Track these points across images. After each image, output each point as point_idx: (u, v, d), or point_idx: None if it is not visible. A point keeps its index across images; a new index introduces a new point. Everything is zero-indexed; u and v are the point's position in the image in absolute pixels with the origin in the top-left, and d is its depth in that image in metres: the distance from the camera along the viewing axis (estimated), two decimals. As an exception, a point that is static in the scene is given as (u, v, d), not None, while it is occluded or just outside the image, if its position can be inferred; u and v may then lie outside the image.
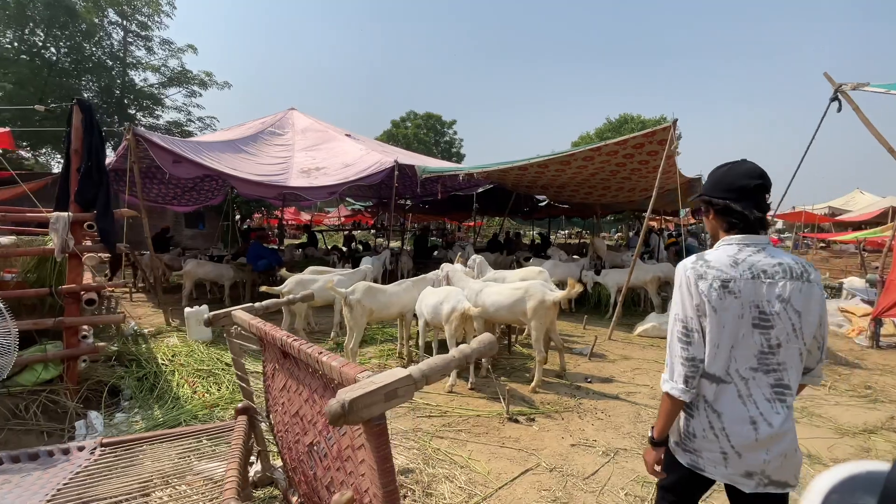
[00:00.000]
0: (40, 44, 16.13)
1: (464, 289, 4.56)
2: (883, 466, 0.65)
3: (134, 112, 18.54)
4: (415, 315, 4.74)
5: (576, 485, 2.67)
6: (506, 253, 11.46)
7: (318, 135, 10.15)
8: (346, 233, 17.81)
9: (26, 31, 15.62)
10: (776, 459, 1.30)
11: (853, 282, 8.82)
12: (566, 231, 28.59)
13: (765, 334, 1.30)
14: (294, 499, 2.35)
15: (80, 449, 2.25)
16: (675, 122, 5.50)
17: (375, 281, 7.28)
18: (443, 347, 4.77)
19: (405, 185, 10.45)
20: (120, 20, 18.13)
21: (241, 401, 2.61)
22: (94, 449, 2.25)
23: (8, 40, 15.44)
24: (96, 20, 16.83)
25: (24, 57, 15.38)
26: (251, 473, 2.77)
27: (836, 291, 8.88)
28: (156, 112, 19.22)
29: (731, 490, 1.41)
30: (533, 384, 4.13)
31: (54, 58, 16.44)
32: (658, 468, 1.47)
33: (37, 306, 3.87)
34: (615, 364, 5.02)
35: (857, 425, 3.62)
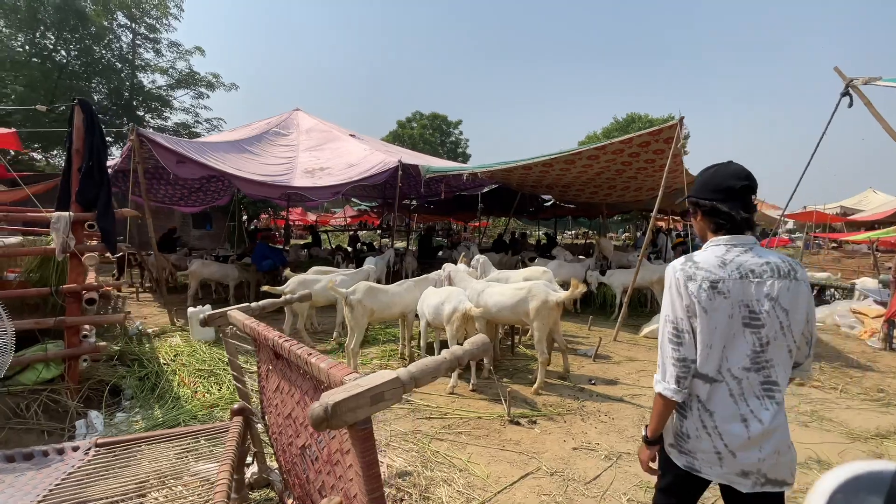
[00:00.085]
0: (51, 47, 16.35)
1: (466, 289, 4.52)
2: (888, 466, 0.65)
3: (142, 114, 18.73)
4: (417, 315, 4.70)
5: (576, 489, 2.61)
6: (511, 253, 11.38)
7: (322, 135, 10.17)
8: (351, 233, 17.85)
9: (37, 35, 15.84)
10: (770, 457, 1.30)
11: (865, 282, 8.64)
12: (573, 231, 28.42)
13: (756, 333, 1.31)
14: (290, 501, 2.32)
15: (75, 449, 2.24)
16: (681, 119, 5.41)
17: (379, 281, 7.27)
18: (445, 348, 4.72)
19: (409, 185, 10.43)
20: (129, 23, 18.33)
21: (239, 401, 2.59)
22: (89, 449, 2.23)
23: (19, 43, 15.67)
24: (106, 23, 17.02)
25: (35, 60, 15.61)
26: (248, 475, 2.75)
27: (848, 292, 8.70)
28: (164, 114, 19.42)
29: (727, 491, 1.41)
30: (535, 386, 4.07)
31: (64, 60, 16.66)
32: (653, 465, 1.49)
33: (39, 306, 3.89)
34: (620, 366, 4.94)
35: (870, 430, 3.52)
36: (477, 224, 19.83)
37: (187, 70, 19.48)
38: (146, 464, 2.18)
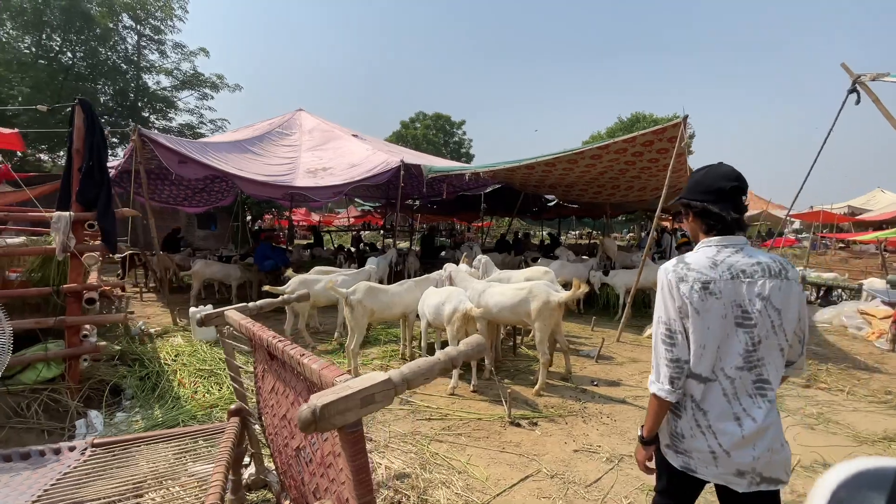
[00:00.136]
0: (57, 48, 16.50)
1: (466, 289, 4.49)
2: (892, 463, 0.65)
3: (147, 115, 18.86)
4: (418, 316, 4.68)
5: (577, 492, 2.58)
6: (514, 253, 11.33)
7: (324, 135, 10.17)
8: (353, 233, 17.87)
9: (43, 37, 15.99)
10: (764, 455, 1.31)
11: (873, 283, 8.52)
12: (577, 231, 28.30)
13: (748, 333, 1.32)
14: (286, 503, 2.30)
15: (71, 449, 2.23)
16: (685, 118, 5.35)
17: (381, 281, 7.25)
18: (446, 349, 4.69)
19: (412, 185, 10.41)
20: (134, 24, 18.46)
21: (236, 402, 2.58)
22: (85, 449, 2.22)
23: (25, 45, 15.82)
24: (111, 25, 17.16)
25: (42, 62, 15.75)
26: (245, 476, 2.73)
27: (855, 293, 8.59)
28: (169, 115, 19.54)
29: (723, 492, 1.41)
30: (537, 387, 4.03)
31: (70, 62, 16.80)
32: (650, 465, 1.52)
33: (41, 305, 3.90)
34: (623, 367, 4.89)
35: (877, 433, 3.45)
36: (480, 224, 19.78)
37: (192, 71, 19.60)
38: (142, 464, 2.17)
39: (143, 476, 2.04)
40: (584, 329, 6.59)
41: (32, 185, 8.72)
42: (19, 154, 14.38)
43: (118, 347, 4.29)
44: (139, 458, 2.21)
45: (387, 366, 4.78)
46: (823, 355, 5.50)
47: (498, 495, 2.53)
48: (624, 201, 10.90)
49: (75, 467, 2.08)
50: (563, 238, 20.53)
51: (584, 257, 9.76)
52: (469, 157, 36.05)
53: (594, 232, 23.35)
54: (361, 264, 8.24)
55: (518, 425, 3.40)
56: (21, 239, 4.64)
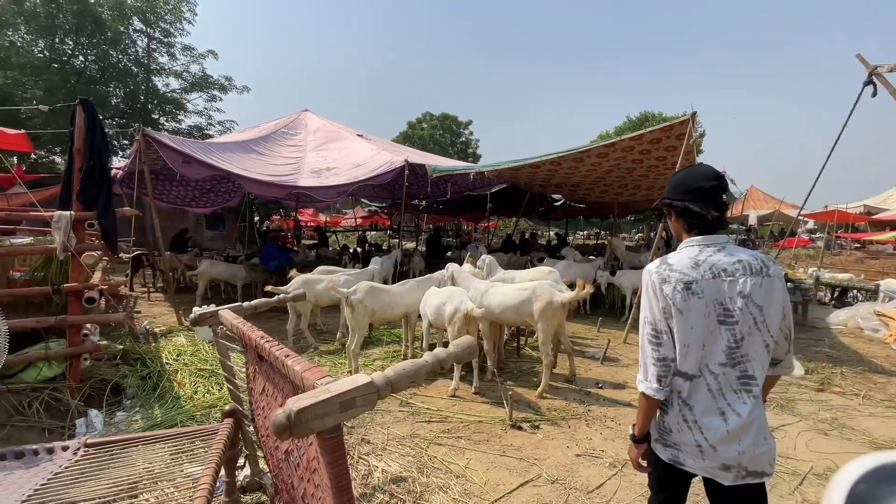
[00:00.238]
0: (69, 52, 16.76)
1: (469, 289, 4.42)
2: None
3: (157, 117, 19.07)
4: (420, 316, 4.63)
5: (578, 499, 2.50)
6: (519, 253, 11.24)
7: (329, 135, 10.18)
8: (359, 234, 17.90)
9: (56, 40, 16.26)
10: (749, 450, 1.34)
11: (891, 284, 8.28)
12: (584, 231, 28.06)
13: (730, 329, 1.35)
14: (279, 506, 2.26)
15: (65, 449, 2.21)
16: (693, 114, 5.22)
17: (385, 281, 7.22)
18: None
19: (418, 185, 10.37)
20: (144, 28, 18.70)
21: (231, 403, 2.55)
22: (78, 449, 2.20)
23: (39, 49, 16.09)
24: (122, 28, 17.39)
25: (55, 65, 16.01)
26: (240, 478, 2.70)
27: (871, 294, 8.36)
28: (178, 116, 19.74)
29: (709, 485, 1.44)
30: (540, 389, 3.95)
31: (82, 65, 17.06)
32: (643, 463, 1.55)
33: (43, 304, 3.92)
34: (629, 369, 4.79)
35: (894, 439, 3.32)
36: (486, 224, 19.69)
37: (201, 73, 19.79)
38: (135, 465, 2.14)
39: (135, 476, 2.01)
40: (590, 330, 6.49)
41: (44, 187, 8.87)
42: (34, 156, 14.62)
43: (120, 347, 4.30)
44: (132, 458, 2.19)
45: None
46: (838, 358, 5.34)
47: (496, 501, 2.46)
48: (631, 200, 10.75)
49: (67, 467, 2.06)
50: (570, 238, 20.35)
51: (590, 257, 9.64)
52: (476, 158, 35.97)
53: (602, 232, 23.12)
54: (366, 264, 8.23)
55: (519, 428, 3.33)
56: (29, 239, 4.68)
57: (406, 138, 33.33)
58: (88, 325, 3.71)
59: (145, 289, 9.10)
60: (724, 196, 1.44)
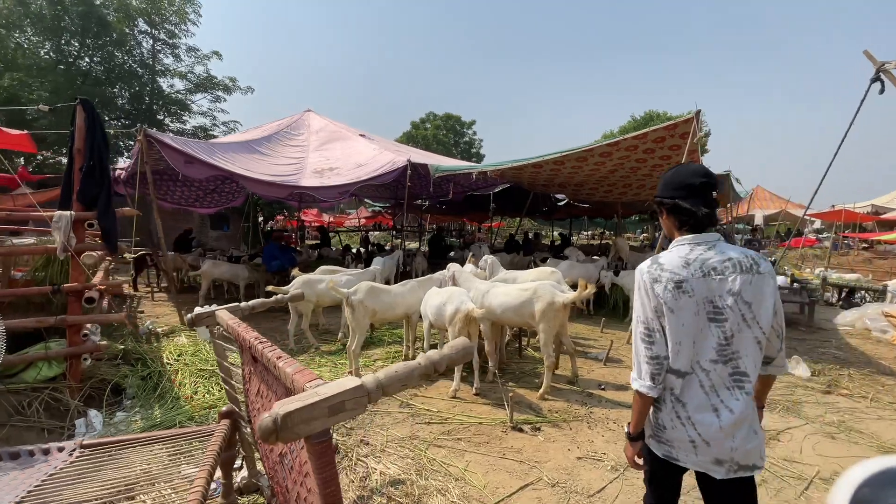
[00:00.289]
0: (75, 53, 16.87)
1: (470, 290, 4.39)
2: None
3: (163, 118, 19.16)
4: (421, 317, 4.60)
5: (579, 503, 2.46)
6: (523, 253, 11.19)
7: (332, 135, 10.18)
8: (362, 234, 17.92)
9: (62, 42, 16.37)
10: (742, 446, 1.36)
11: (899, 284, 8.17)
12: (589, 232, 27.94)
13: (720, 327, 1.37)
14: (275, 508, 2.23)
15: (60, 450, 2.20)
16: (697, 113, 5.17)
17: (387, 282, 7.20)
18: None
19: (421, 185, 10.35)
20: (149, 29, 18.79)
21: (228, 404, 2.53)
22: (73, 450, 2.19)
23: (45, 51, 16.21)
24: (127, 30, 17.48)
25: (61, 67, 16.12)
26: (237, 479, 2.68)
27: (879, 295, 8.25)
28: (183, 117, 19.82)
29: (701, 478, 1.47)
30: (541, 391, 3.92)
31: (88, 67, 17.17)
32: (639, 461, 1.56)
33: (45, 304, 3.92)
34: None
35: (904, 443, 3.26)
36: (490, 224, 19.66)
37: (205, 74, 19.87)
38: (130, 466, 2.13)
39: (131, 478, 2.00)
40: (593, 331, 6.44)
41: (50, 187, 8.92)
42: (40, 157, 14.74)
43: (121, 347, 4.30)
44: (129, 459, 2.17)
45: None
46: (845, 359, 5.26)
47: (495, 504, 2.43)
48: (635, 200, 10.67)
49: (61, 468, 2.05)
50: (574, 238, 20.25)
51: (594, 257, 9.58)
52: (479, 158, 35.90)
53: (606, 232, 23.02)
54: (369, 265, 8.22)
55: (520, 430, 3.29)
56: (32, 240, 4.70)
57: (409, 138, 33.34)
58: (89, 325, 3.71)
59: (149, 289, 9.13)
60: (714, 193, 1.46)
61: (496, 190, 11.97)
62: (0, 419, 3.21)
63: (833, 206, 16.67)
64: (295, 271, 6.32)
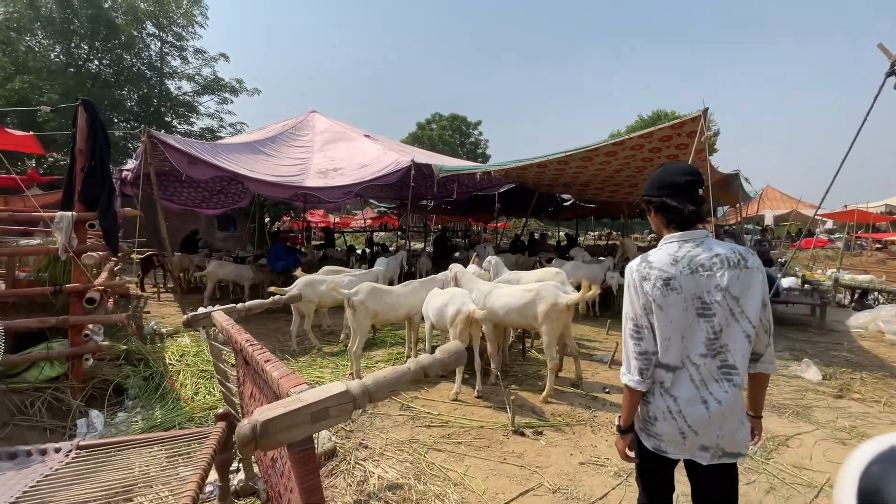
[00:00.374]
0: (84, 56, 17.10)
1: (472, 290, 4.34)
2: None
3: (170, 120, 19.35)
4: (423, 318, 4.56)
5: (581, 509, 2.40)
6: (528, 254, 11.11)
7: (336, 135, 10.19)
8: (367, 234, 17.94)
9: (72, 45, 16.59)
10: (728, 435, 1.42)
11: (914, 286, 7.98)
12: (596, 232, 27.73)
13: (709, 322, 1.40)
14: (271, 513, 2.21)
15: (57, 451, 2.19)
16: (705, 111, 5.08)
17: (391, 282, 7.17)
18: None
19: (425, 185, 10.32)
20: (157, 32, 18.99)
21: (224, 406, 2.51)
22: (70, 451, 2.18)
23: (55, 54, 16.44)
24: (135, 33, 17.70)
25: (71, 69, 16.34)
26: (234, 482, 2.66)
27: (893, 296, 8.06)
28: (191, 119, 20.01)
29: (689, 465, 1.53)
30: (544, 394, 3.86)
31: (97, 69, 17.39)
32: (630, 453, 1.60)
33: (48, 305, 3.94)
34: (637, 373, 4.65)
35: (919, 450, 3.15)
36: (495, 225, 19.59)
37: (212, 76, 20.04)
38: (127, 468, 2.11)
39: (128, 480, 1.98)
40: (598, 332, 6.35)
41: (59, 189, 9.01)
42: (51, 158, 14.94)
43: (124, 347, 4.31)
44: (126, 461, 2.16)
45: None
46: (857, 363, 5.13)
47: (495, 510, 2.38)
48: (642, 200, 10.54)
49: (57, 469, 2.04)
50: (581, 239, 20.11)
51: (600, 258, 9.47)
52: (485, 158, 35.82)
53: (614, 232, 22.82)
54: (373, 265, 8.20)
55: (522, 434, 3.24)
56: (38, 240, 4.74)
57: (415, 139, 33.36)
58: (91, 326, 3.72)
59: (156, 289, 9.19)
60: (700, 191, 1.49)
61: (501, 190, 11.91)
62: (2, 419, 3.22)
63: (846, 205, 16.38)
64: (298, 272, 6.32)
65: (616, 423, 1.61)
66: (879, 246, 17.52)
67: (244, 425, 0.95)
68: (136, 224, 4.89)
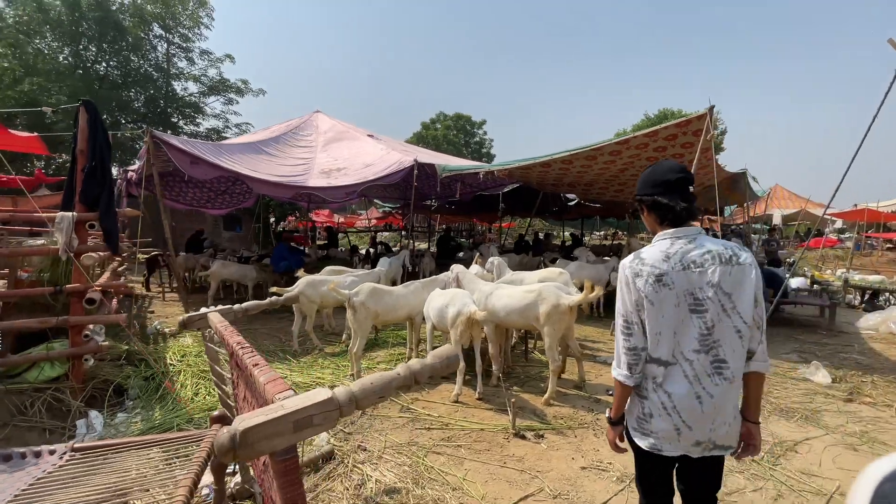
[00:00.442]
0: (92, 58, 17.25)
1: (474, 291, 4.30)
2: None
3: (177, 121, 19.47)
4: (424, 319, 4.52)
5: (581, 516, 2.35)
6: (532, 254, 11.04)
7: (339, 135, 10.18)
8: (371, 234, 17.95)
9: (80, 47, 16.74)
10: (721, 428, 1.44)
11: (927, 287, 7.82)
12: (601, 231, 27.56)
13: (701, 318, 1.41)
14: (266, 517, 2.18)
15: (51, 453, 2.18)
16: (710, 109, 4.99)
17: (394, 283, 7.14)
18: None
19: (429, 185, 10.29)
20: (163, 33, 19.12)
21: (220, 409, 2.48)
22: (64, 454, 2.16)
23: (63, 56, 16.60)
24: (142, 34, 17.83)
25: (79, 71, 16.49)
26: (231, 485, 2.64)
27: (905, 297, 7.90)
28: (197, 120, 20.12)
29: (679, 459, 1.53)
30: (546, 396, 3.80)
31: (104, 71, 17.54)
32: (621, 444, 1.62)
33: (50, 305, 3.95)
34: (642, 375, 4.58)
35: (933, 457, 3.06)
36: (499, 225, 19.53)
37: (218, 77, 20.15)
38: (123, 470, 2.09)
39: (124, 482, 1.96)
40: (602, 334, 6.28)
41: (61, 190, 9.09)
42: (60, 159, 15.08)
43: (125, 347, 4.32)
44: (122, 463, 2.13)
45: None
46: (868, 365, 5.02)
47: (494, 516, 2.33)
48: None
49: (50, 472, 2.01)
50: (587, 239, 19.97)
51: (605, 258, 9.38)
52: (490, 158, 35.73)
53: (619, 232, 22.65)
54: (377, 265, 8.18)
55: (523, 437, 3.19)
56: (42, 241, 4.76)
57: (420, 139, 33.35)
58: (91, 326, 3.72)
59: (161, 289, 9.24)
60: (691, 188, 1.50)
61: (505, 190, 11.84)
62: (2, 419, 3.23)
63: (855, 204, 16.14)
64: (300, 272, 6.31)
65: (607, 416, 1.64)
66: (891, 245, 17.24)
67: (223, 434, 0.92)
68: (138, 224, 4.89)
